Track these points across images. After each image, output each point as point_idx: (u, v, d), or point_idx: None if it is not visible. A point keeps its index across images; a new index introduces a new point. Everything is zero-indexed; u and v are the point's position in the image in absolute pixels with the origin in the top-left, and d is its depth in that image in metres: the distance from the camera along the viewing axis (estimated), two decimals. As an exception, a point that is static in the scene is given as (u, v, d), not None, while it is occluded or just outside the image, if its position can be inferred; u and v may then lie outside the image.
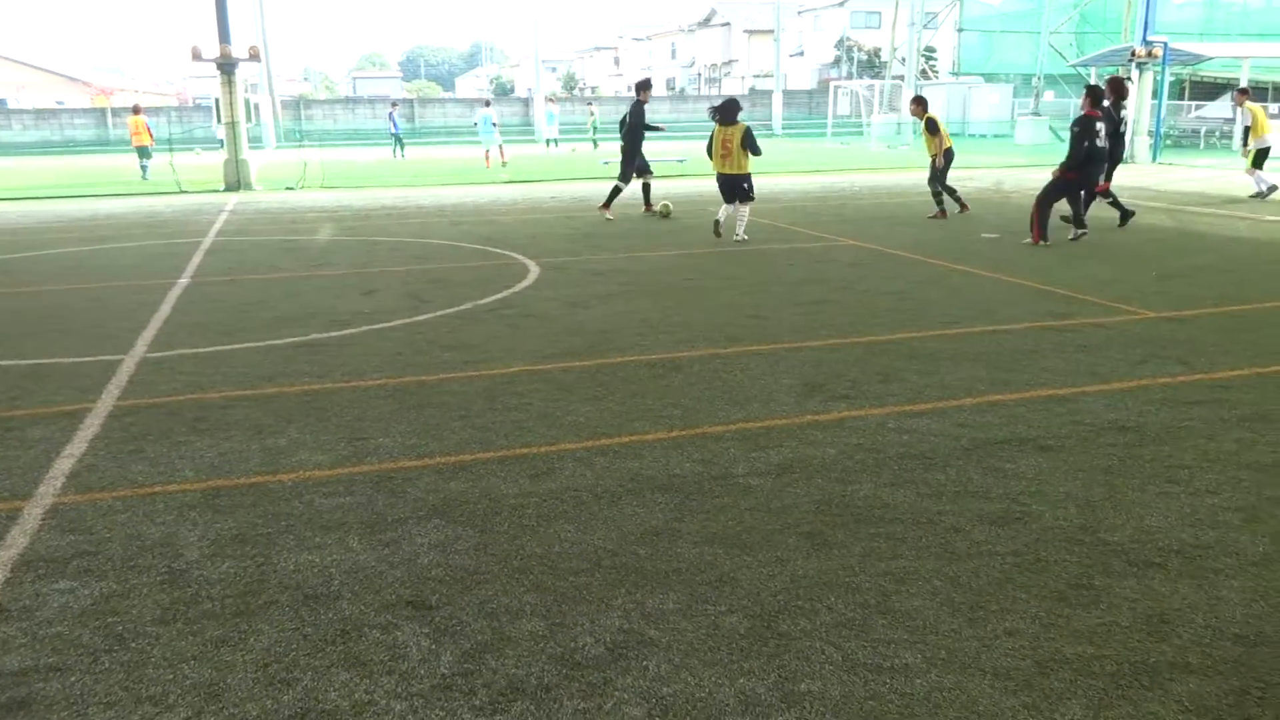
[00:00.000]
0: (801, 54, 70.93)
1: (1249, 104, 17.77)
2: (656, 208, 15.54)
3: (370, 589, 3.49)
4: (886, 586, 3.46)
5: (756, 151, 12.33)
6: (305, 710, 2.79)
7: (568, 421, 5.30)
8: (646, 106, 15.43)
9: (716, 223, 12.45)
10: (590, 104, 46.71)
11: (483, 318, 8.04)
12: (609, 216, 15.07)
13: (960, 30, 47.93)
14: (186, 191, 21.87)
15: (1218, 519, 3.97)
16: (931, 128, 14.77)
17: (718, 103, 12.86)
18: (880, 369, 6.25)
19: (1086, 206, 12.21)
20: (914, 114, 15.53)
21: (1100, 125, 11.68)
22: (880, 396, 5.68)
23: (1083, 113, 11.92)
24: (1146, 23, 26.05)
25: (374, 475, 4.58)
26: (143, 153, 26.27)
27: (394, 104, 38.84)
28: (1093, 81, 23.93)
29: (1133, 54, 25.87)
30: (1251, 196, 16.89)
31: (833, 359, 6.53)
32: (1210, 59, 35.21)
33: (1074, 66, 37.99)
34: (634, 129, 15.30)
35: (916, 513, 4.07)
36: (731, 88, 71.68)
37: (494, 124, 30.04)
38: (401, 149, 35.17)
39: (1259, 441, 4.84)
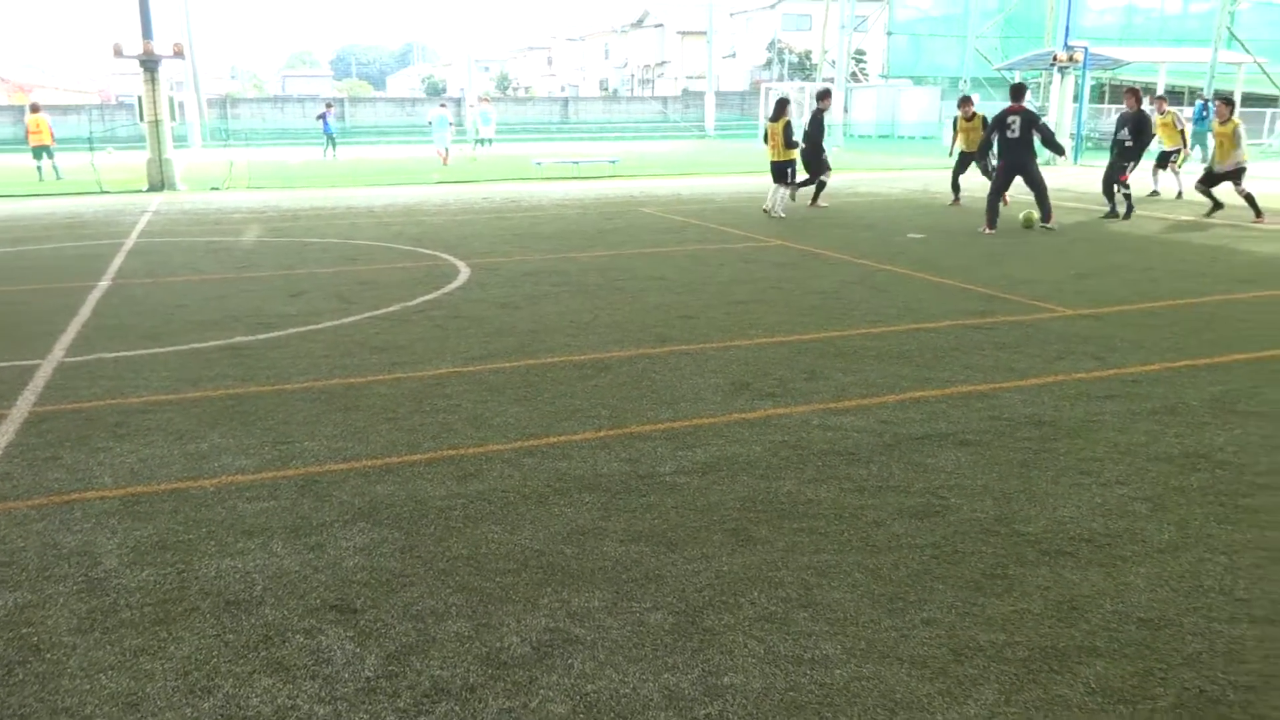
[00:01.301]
0: (734, 56, 71.48)
1: (1169, 109, 18.33)
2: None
3: (294, 594, 3.46)
4: (809, 580, 3.52)
5: (791, 144, 14.91)
6: (227, 717, 2.76)
7: (496, 423, 5.29)
8: (826, 114, 16.93)
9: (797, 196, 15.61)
10: (472, 104, 45.58)
11: (411, 319, 7.98)
12: (824, 205, 16.66)
13: (890, 33, 48.69)
14: (108, 192, 21.30)
15: (1126, 509, 4.12)
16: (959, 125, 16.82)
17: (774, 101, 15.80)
18: (806, 367, 6.35)
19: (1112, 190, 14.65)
20: (966, 114, 16.93)
21: (1014, 119, 12.98)
22: (806, 394, 5.77)
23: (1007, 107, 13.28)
24: (1068, 28, 26.78)
25: (299, 479, 4.52)
26: (40, 152, 24.95)
27: (329, 105, 38.19)
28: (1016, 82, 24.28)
29: (1054, 58, 26.57)
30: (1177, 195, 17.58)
31: (760, 358, 6.61)
32: (1129, 63, 36.28)
33: (999, 70, 38.83)
34: (815, 131, 16.39)
35: (839, 508, 4.15)
36: (665, 89, 71.99)
37: (449, 123, 29.95)
38: (333, 148, 34.66)
39: (1166, 434, 5.02)
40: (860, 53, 56.44)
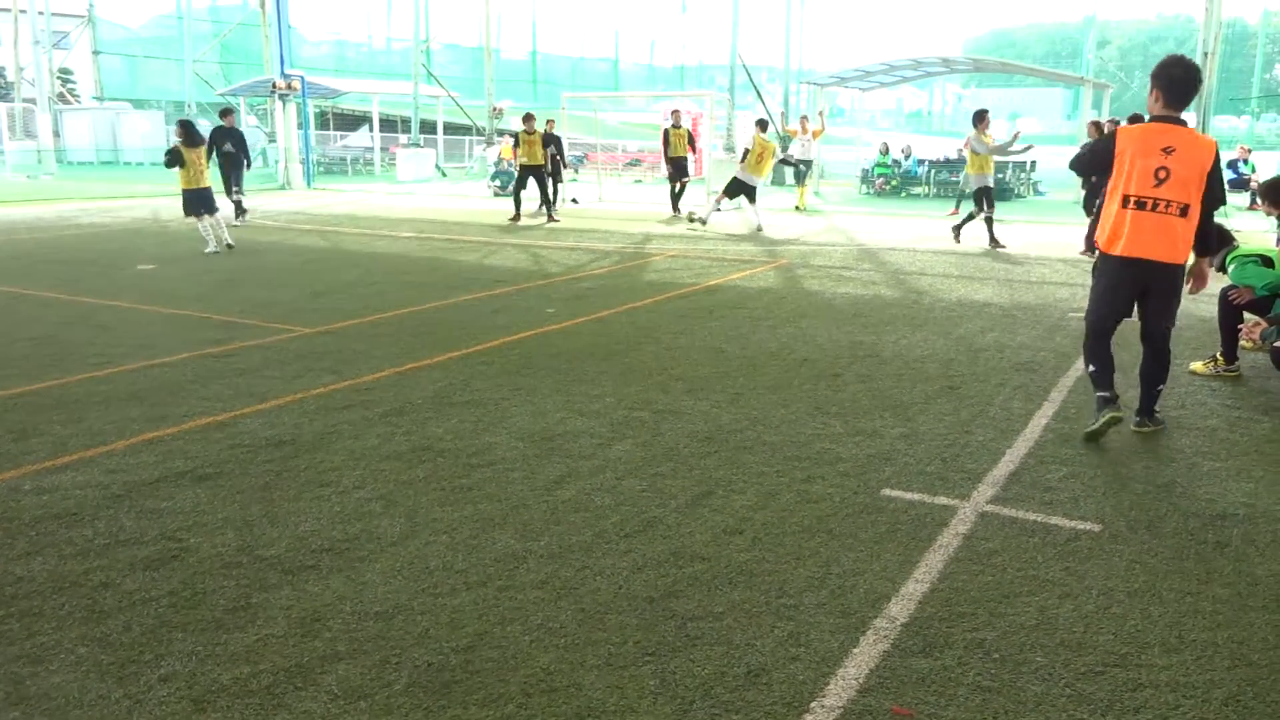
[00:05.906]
0: (-100, 69, 59.65)
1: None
2: None
3: None
4: (20, 672, 3.04)
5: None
6: None
7: None
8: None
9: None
10: None
11: None
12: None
13: (97, 53, 45.09)
14: None
15: (363, 510, 4.33)
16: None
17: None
18: (14, 426, 5.53)
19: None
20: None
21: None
22: (15, 457, 5.01)
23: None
24: (283, 58, 27.46)
25: None
26: None
27: None
28: (236, 109, 23.94)
29: (274, 86, 27.05)
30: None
31: (-48, 423, 5.58)
32: (346, 93, 38.61)
33: (221, 95, 38.41)
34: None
35: (57, 578, 3.66)
36: None
37: None
38: None
39: (396, 433, 5.40)
40: (67, 71, 51.34)
